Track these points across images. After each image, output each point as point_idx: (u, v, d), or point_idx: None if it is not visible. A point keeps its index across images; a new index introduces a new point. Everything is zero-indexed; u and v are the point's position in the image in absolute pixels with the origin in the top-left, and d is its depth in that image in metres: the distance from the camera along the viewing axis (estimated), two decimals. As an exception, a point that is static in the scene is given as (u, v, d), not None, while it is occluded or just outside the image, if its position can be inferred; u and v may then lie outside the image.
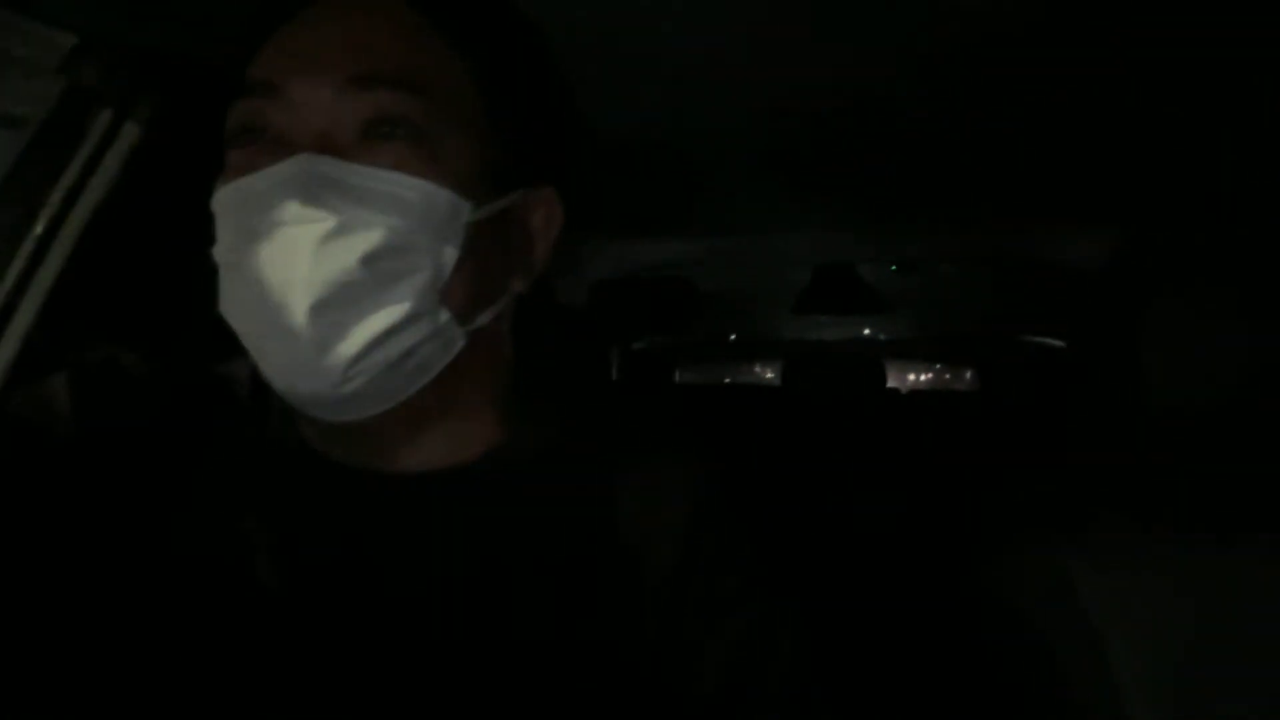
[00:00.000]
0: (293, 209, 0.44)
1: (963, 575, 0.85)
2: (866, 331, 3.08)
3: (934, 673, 0.85)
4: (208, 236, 0.48)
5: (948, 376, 3.92)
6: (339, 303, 0.44)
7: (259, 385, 0.54)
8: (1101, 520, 0.79)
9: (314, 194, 0.44)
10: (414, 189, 0.46)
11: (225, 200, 0.47)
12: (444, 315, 0.47)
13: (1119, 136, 1.32)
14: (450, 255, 0.47)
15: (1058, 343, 2.61)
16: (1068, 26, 0.89)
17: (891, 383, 2.74)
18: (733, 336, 3.38)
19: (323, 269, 0.44)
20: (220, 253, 0.47)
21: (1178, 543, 0.76)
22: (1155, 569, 0.75)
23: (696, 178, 1.58)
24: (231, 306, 0.47)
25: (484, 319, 0.50)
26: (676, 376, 3.29)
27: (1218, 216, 0.79)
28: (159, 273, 0.91)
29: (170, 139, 0.92)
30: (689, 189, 1.67)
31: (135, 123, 0.91)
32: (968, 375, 3.43)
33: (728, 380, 3.81)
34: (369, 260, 0.44)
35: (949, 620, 0.85)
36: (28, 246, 0.86)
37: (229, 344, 0.48)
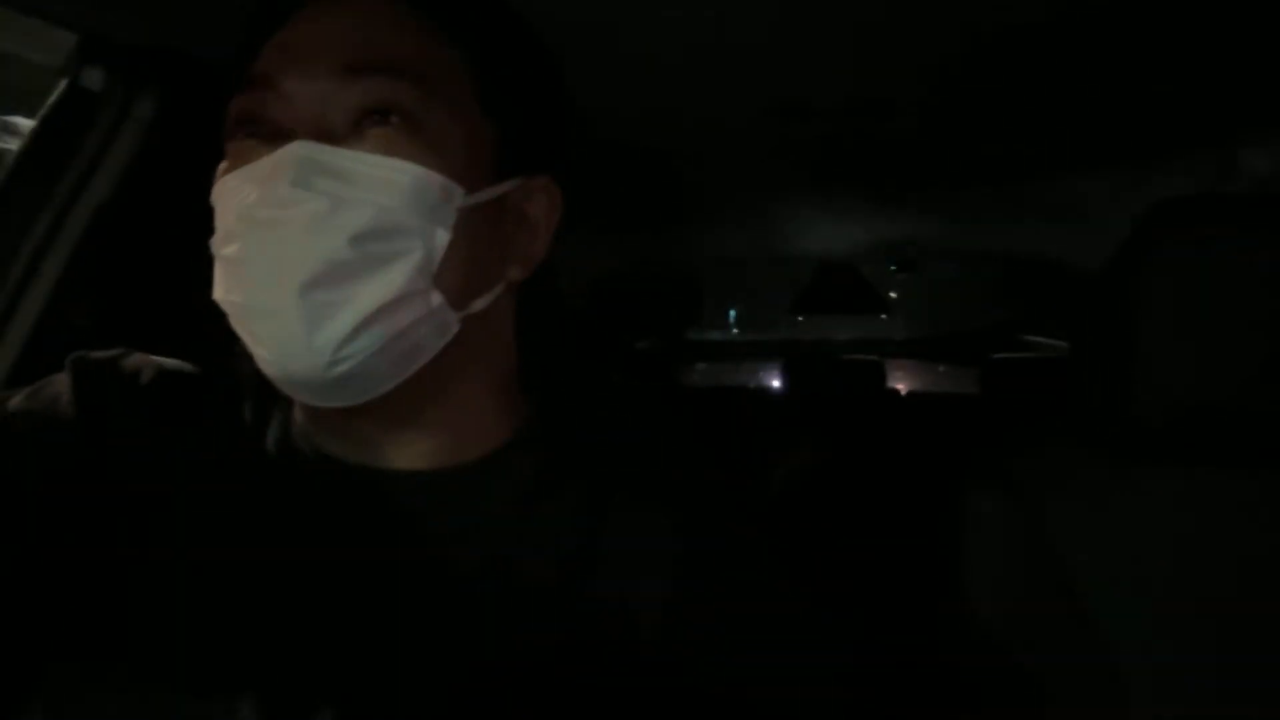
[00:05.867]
0: (283, 193, 0.44)
1: (931, 525, 0.86)
2: (867, 332, 3.08)
3: (917, 651, 0.85)
4: (209, 234, 0.48)
5: (949, 377, 3.91)
6: (328, 282, 0.44)
7: (261, 381, 0.54)
8: (1073, 457, 0.80)
9: (304, 178, 0.44)
10: (405, 172, 0.46)
11: (222, 191, 0.48)
12: (436, 298, 0.47)
13: (1119, 136, 1.32)
14: (442, 238, 0.47)
15: (1059, 343, 2.60)
16: (1067, 25, 0.90)
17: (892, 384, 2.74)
18: (733, 336, 3.38)
19: (312, 248, 0.44)
20: (216, 242, 0.48)
21: (1151, 475, 0.77)
22: (1129, 501, 0.76)
23: (699, 176, 1.58)
24: (224, 291, 0.47)
25: (479, 305, 0.50)
26: (677, 377, 3.28)
27: (1218, 214, 0.78)
28: (162, 271, 0.91)
29: (172, 138, 0.93)
30: (691, 187, 1.68)
31: (137, 123, 0.91)
32: (969, 376, 3.42)
33: (728, 381, 3.80)
34: (358, 240, 0.44)
35: (925, 588, 0.85)
36: (31, 247, 0.87)
37: (230, 340, 0.48)
